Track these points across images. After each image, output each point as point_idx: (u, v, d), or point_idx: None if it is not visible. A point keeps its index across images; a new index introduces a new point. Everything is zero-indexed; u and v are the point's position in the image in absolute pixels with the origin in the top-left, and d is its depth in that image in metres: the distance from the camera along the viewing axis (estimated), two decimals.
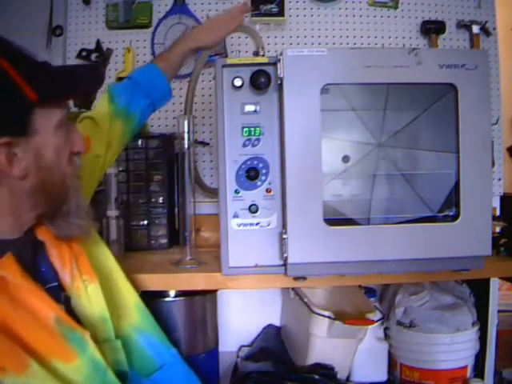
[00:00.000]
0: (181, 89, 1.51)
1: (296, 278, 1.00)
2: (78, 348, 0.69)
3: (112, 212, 1.15)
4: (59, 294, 0.74)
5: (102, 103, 1.00)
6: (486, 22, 1.53)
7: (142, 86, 1.03)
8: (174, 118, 1.36)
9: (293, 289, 1.26)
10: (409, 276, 1.05)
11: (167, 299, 1.10)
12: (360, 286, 1.28)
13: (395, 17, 1.54)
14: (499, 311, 1.32)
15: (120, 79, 1.50)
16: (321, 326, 1.14)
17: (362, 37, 1.54)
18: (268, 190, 0.99)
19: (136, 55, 1.53)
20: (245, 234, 0.99)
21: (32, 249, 0.74)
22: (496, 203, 1.51)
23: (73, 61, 1.52)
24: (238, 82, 0.97)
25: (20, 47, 0.66)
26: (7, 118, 0.62)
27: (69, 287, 0.75)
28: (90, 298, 0.76)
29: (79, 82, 0.71)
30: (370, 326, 1.16)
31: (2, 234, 0.69)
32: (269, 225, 0.99)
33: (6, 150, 0.62)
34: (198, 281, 1.04)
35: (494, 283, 1.27)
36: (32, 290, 0.67)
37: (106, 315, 0.77)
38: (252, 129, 0.98)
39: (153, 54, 1.52)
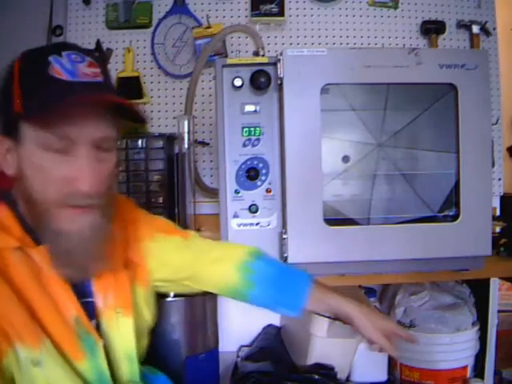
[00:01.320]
0: (181, 89, 1.51)
1: None
2: (89, 352, 0.69)
3: None
4: (93, 310, 0.73)
5: (227, 258, 0.88)
6: (486, 22, 1.53)
7: (282, 287, 0.87)
8: (174, 117, 1.36)
9: None
10: (409, 276, 1.05)
11: (167, 299, 1.10)
12: (360, 286, 1.28)
13: (395, 17, 1.54)
14: (499, 311, 1.31)
15: (120, 79, 1.51)
16: (321, 326, 1.14)
17: (361, 37, 1.54)
18: (268, 190, 0.99)
19: (136, 55, 1.53)
20: (245, 233, 0.99)
21: None
22: (496, 203, 1.51)
23: None
24: (238, 82, 0.97)
25: (57, 59, 0.65)
26: (2, 118, 0.66)
27: (100, 312, 0.74)
28: (119, 331, 0.75)
29: (70, 116, 0.64)
30: None
31: None
32: (269, 225, 0.99)
33: (2, 148, 0.67)
34: None
35: (494, 283, 1.27)
36: (61, 284, 0.68)
37: (133, 355, 0.76)
38: (252, 129, 0.98)
39: (153, 53, 1.52)
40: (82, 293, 0.72)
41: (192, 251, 0.87)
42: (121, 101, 0.67)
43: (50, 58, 0.65)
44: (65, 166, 0.65)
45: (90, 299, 0.74)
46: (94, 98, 0.65)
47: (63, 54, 0.66)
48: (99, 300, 0.75)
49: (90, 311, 0.72)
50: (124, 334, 0.76)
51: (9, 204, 0.69)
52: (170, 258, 0.86)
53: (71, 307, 0.69)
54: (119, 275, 0.77)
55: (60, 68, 0.64)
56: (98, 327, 0.74)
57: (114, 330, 0.75)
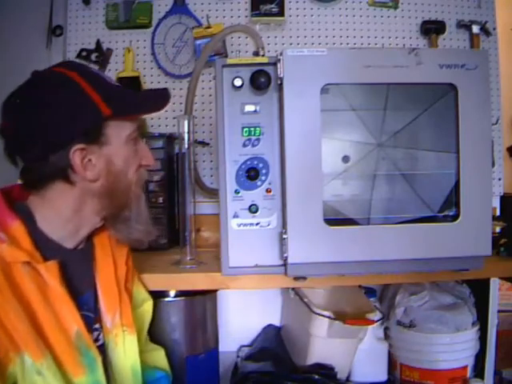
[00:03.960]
0: (181, 89, 1.51)
1: (296, 278, 1.00)
2: (88, 367, 0.71)
3: None
4: (91, 325, 0.77)
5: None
6: (485, 22, 1.53)
7: None
8: (174, 118, 1.36)
9: (293, 289, 1.26)
10: (409, 276, 1.05)
11: (167, 299, 1.10)
12: (360, 286, 1.28)
13: (395, 17, 1.54)
14: (499, 311, 1.32)
15: (120, 79, 1.51)
16: (321, 326, 1.14)
17: (361, 37, 1.54)
18: (268, 190, 0.99)
19: (136, 55, 1.53)
20: (245, 233, 0.99)
21: (85, 268, 0.80)
22: (496, 203, 1.51)
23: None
24: (238, 82, 0.97)
25: (96, 71, 0.79)
26: (84, 128, 0.72)
27: (108, 332, 0.79)
28: (125, 348, 0.81)
29: (147, 103, 0.81)
30: (370, 326, 1.16)
31: (60, 240, 0.76)
32: (269, 225, 0.99)
33: (81, 155, 0.72)
34: (197, 281, 1.04)
35: (494, 283, 1.27)
36: (65, 300, 0.71)
37: (137, 368, 0.82)
38: (252, 129, 0.98)
39: (153, 53, 1.52)
40: (82, 304, 0.76)
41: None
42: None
43: (93, 71, 0.78)
44: (137, 150, 0.80)
45: (89, 314, 0.78)
46: (167, 96, 0.83)
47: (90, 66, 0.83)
48: (108, 320, 0.80)
49: (89, 325, 0.76)
50: (131, 350, 0.82)
51: (24, 218, 0.72)
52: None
53: (72, 321, 0.71)
54: (123, 297, 0.83)
55: (106, 78, 0.78)
56: (103, 346, 0.79)
57: (120, 346, 0.80)
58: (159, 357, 0.99)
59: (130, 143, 0.78)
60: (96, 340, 0.78)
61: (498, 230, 1.19)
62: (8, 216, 0.70)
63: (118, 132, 0.75)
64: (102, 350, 0.78)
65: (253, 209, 0.98)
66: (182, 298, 1.11)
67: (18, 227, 0.70)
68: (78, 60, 1.52)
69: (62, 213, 0.74)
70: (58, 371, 0.66)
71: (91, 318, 0.78)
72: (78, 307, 0.73)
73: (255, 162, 0.99)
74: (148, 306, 0.98)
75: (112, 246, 0.87)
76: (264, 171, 0.99)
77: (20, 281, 0.67)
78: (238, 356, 1.39)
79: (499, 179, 1.53)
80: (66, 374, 0.68)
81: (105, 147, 0.74)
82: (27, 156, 0.72)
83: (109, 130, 0.74)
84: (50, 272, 0.69)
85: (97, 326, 0.79)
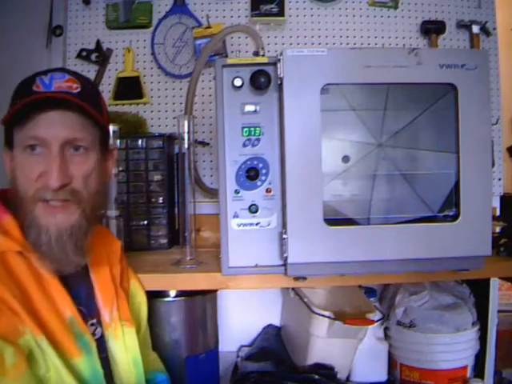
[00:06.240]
0: (181, 89, 1.52)
1: (296, 278, 1.00)
2: (84, 349, 0.73)
3: (112, 212, 1.15)
4: (86, 318, 0.79)
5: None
6: (486, 22, 1.53)
7: None
8: (174, 118, 1.36)
9: (293, 289, 1.26)
10: (409, 276, 1.05)
11: (167, 299, 1.10)
12: (360, 286, 1.28)
13: (395, 17, 1.54)
14: (499, 311, 1.31)
15: (120, 79, 1.51)
16: (321, 326, 1.14)
17: (362, 37, 1.54)
18: (268, 190, 0.99)
19: (136, 55, 1.53)
20: (245, 234, 0.99)
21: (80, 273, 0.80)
22: (496, 203, 1.51)
23: (73, 61, 1.52)
24: (238, 82, 0.97)
25: (29, 80, 0.76)
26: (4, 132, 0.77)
27: (107, 326, 0.81)
28: (125, 341, 0.82)
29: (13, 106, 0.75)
30: (370, 326, 1.16)
31: None
32: (269, 225, 0.99)
33: (7, 157, 0.77)
34: (198, 281, 1.04)
35: (494, 283, 1.27)
36: (58, 288, 0.74)
37: (139, 361, 0.83)
38: (252, 129, 0.98)
39: (153, 53, 1.52)
40: (77, 298, 0.78)
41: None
42: (80, 103, 0.74)
43: (37, 78, 0.76)
44: (39, 164, 0.73)
45: (81, 308, 0.78)
46: (47, 95, 0.73)
47: (49, 74, 0.76)
48: (106, 314, 0.82)
49: (83, 316, 0.77)
50: (131, 344, 0.83)
51: (13, 212, 0.76)
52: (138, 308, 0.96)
53: (66, 307, 0.74)
54: (119, 292, 0.86)
55: (40, 83, 0.75)
56: (100, 340, 0.80)
57: (120, 340, 0.82)
58: (159, 362, 1.00)
59: (25, 151, 0.74)
60: (93, 334, 0.79)
61: (498, 230, 1.20)
62: (0, 211, 0.75)
63: (17, 139, 0.75)
64: (101, 342, 0.79)
65: (253, 209, 0.98)
66: (182, 298, 1.11)
67: (8, 220, 0.74)
68: (78, 60, 1.52)
69: None
70: (54, 349, 0.69)
71: (84, 313, 0.78)
72: (75, 301, 0.75)
73: (255, 162, 0.99)
74: (144, 312, 0.98)
75: (104, 243, 0.90)
76: (264, 171, 0.99)
77: (16, 268, 0.71)
78: (237, 356, 1.39)
79: (499, 179, 1.53)
80: (64, 354, 0.70)
81: (13, 151, 0.76)
82: None
83: (14, 136, 0.76)
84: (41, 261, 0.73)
85: (93, 321, 0.80)
